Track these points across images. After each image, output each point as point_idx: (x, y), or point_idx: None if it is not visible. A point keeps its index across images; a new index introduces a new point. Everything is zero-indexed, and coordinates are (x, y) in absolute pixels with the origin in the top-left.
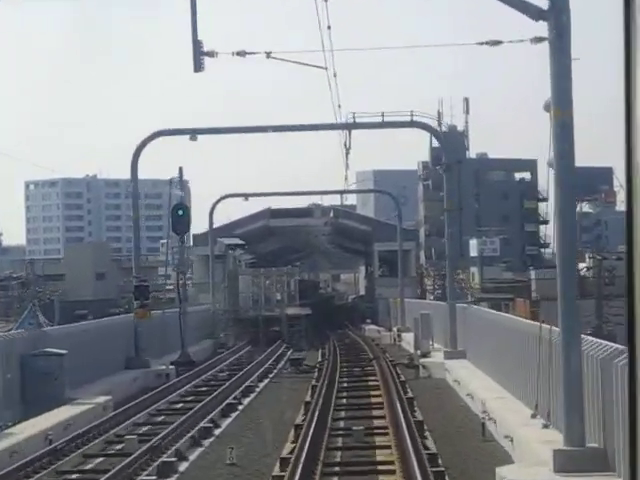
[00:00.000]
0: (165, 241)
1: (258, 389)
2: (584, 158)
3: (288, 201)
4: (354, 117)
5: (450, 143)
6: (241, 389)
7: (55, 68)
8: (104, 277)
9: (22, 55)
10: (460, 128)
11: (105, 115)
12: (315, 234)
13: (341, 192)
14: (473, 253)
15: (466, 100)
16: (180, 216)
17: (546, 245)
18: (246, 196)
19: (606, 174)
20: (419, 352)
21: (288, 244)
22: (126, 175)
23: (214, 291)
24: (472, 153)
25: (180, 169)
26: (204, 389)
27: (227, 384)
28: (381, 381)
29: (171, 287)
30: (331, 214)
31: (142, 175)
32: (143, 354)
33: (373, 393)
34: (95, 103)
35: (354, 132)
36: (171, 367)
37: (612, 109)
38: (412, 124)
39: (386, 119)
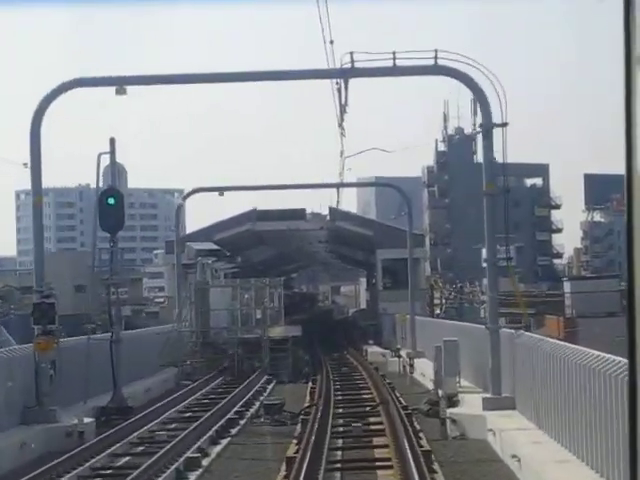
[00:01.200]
0: (159, 252)
1: (208, 459)
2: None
3: (277, 201)
4: (352, 60)
5: (456, 147)
6: (181, 460)
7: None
8: (84, 289)
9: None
10: (468, 131)
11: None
12: (309, 240)
13: (338, 186)
14: (484, 263)
15: (474, 101)
16: (110, 206)
17: (559, 255)
18: (221, 190)
19: (619, 181)
20: (441, 393)
21: (280, 252)
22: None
23: (182, 307)
24: (479, 157)
25: (112, 140)
26: (121, 461)
27: (163, 450)
28: (393, 447)
29: (162, 299)
30: (327, 217)
31: (138, 184)
32: (49, 401)
33: (382, 473)
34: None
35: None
36: (88, 420)
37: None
38: (436, 70)
39: (399, 63)
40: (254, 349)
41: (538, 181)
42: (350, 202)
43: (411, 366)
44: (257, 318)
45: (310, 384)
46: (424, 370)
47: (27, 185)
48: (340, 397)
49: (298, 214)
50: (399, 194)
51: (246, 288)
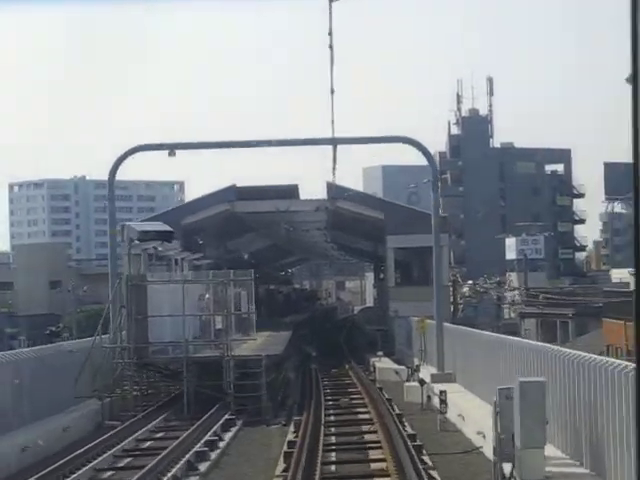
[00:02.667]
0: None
1: None
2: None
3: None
4: None
5: (471, 130)
6: None
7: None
8: (59, 286)
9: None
10: (483, 112)
11: (94, 112)
12: (305, 226)
13: (335, 142)
14: (510, 255)
15: (490, 80)
16: None
17: (582, 248)
18: (172, 148)
19: None
20: (512, 471)
21: (274, 243)
22: (117, 176)
23: (115, 314)
24: (496, 142)
25: None
26: None
27: None
28: None
29: None
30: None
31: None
32: None
33: None
34: (83, 101)
35: None
36: None
37: None
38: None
39: None
40: (213, 374)
41: (559, 167)
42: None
43: (443, 402)
44: (219, 328)
45: (292, 429)
46: (461, 408)
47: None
48: (333, 465)
49: (288, 191)
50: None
51: (203, 285)
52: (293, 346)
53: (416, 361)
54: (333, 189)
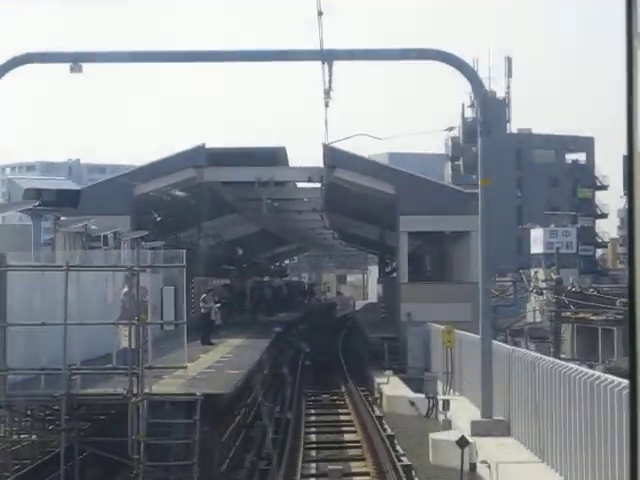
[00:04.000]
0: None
1: None
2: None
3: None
4: None
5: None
6: None
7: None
8: None
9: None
10: (500, 95)
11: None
12: (295, 206)
13: (330, 58)
14: (536, 249)
15: (508, 60)
16: None
17: (603, 245)
18: (76, 60)
19: None
20: None
21: (261, 228)
22: (113, 160)
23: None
24: (513, 127)
25: None
26: None
27: None
28: None
29: None
30: (320, 163)
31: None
32: None
33: None
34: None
35: None
36: None
37: None
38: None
39: None
40: (112, 424)
41: (581, 157)
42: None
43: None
44: (123, 348)
45: None
46: None
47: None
48: None
49: (273, 156)
50: None
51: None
52: (270, 362)
53: (440, 387)
54: (330, 154)
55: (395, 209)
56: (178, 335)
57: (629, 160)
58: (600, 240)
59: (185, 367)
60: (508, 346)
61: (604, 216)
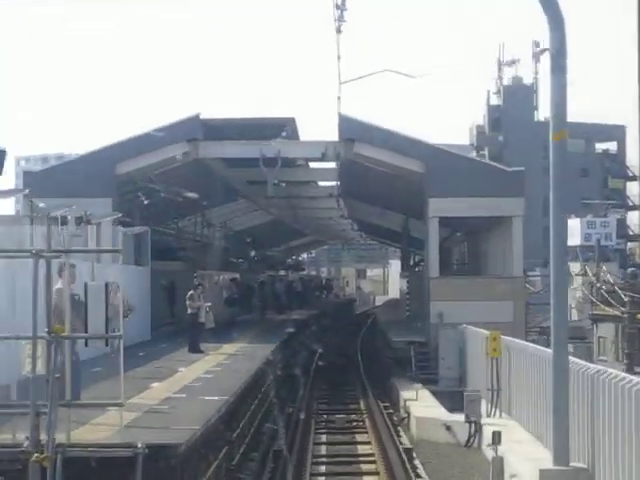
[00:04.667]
0: None
1: None
2: None
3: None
4: None
5: (513, 101)
6: None
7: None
8: None
9: None
10: (527, 81)
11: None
12: (306, 191)
13: None
14: (572, 241)
15: (536, 44)
16: None
17: (634, 238)
18: None
19: None
20: None
21: (274, 217)
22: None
23: None
24: (541, 115)
25: None
26: None
27: None
28: None
29: None
30: (336, 136)
31: None
32: None
33: None
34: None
35: None
36: None
37: None
38: None
39: None
40: None
41: (612, 146)
42: None
43: None
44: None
45: None
46: None
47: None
48: None
49: (280, 128)
50: None
51: None
52: (272, 375)
53: (484, 408)
54: (347, 125)
55: (421, 191)
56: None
57: None
58: (632, 233)
59: (120, 405)
60: (590, 364)
61: (636, 208)
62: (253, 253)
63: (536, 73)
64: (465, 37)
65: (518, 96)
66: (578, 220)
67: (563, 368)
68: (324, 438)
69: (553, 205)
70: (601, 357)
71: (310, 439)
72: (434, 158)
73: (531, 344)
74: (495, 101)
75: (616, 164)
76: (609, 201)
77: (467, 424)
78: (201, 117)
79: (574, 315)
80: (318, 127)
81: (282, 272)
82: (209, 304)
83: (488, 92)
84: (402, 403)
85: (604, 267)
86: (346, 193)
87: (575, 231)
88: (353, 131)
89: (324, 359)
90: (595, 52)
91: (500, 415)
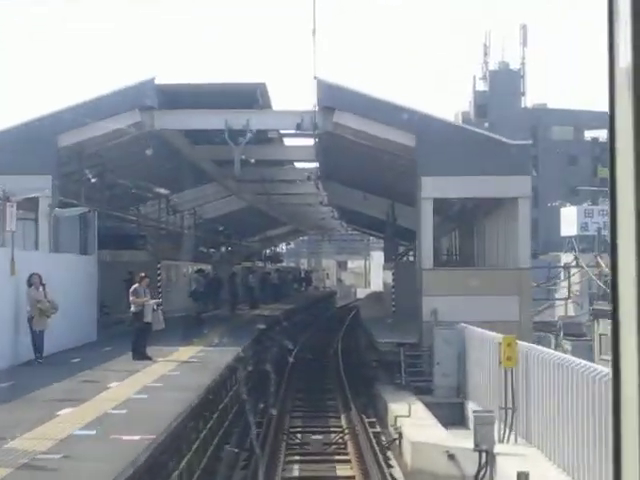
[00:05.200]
0: None
1: None
2: None
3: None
4: None
5: (500, 87)
6: None
7: None
8: None
9: None
10: (514, 66)
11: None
12: (280, 173)
13: None
14: (568, 230)
15: (523, 28)
16: None
17: None
18: None
19: None
20: None
21: (247, 204)
22: None
23: None
24: (528, 101)
25: None
26: None
27: None
28: None
29: None
30: (313, 104)
31: None
32: None
33: None
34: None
35: None
36: None
37: None
38: None
39: None
40: None
41: (601, 134)
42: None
43: None
44: None
45: None
46: None
47: None
48: None
49: (248, 95)
50: None
51: None
52: (232, 387)
53: (496, 430)
54: (327, 92)
55: (415, 168)
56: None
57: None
58: None
59: None
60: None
61: None
62: (225, 243)
63: (523, 58)
64: (451, 21)
65: (504, 81)
66: (574, 208)
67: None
68: (296, 470)
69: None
70: (603, 356)
71: (278, 472)
72: (427, 129)
73: (556, 352)
74: (481, 87)
75: (606, 152)
76: (602, 188)
77: (476, 453)
78: (157, 83)
79: (570, 310)
80: (292, 95)
81: (260, 264)
82: (157, 300)
83: (474, 78)
84: (392, 420)
85: (600, 259)
86: (326, 176)
87: (571, 220)
88: (333, 97)
89: (299, 362)
90: (585, 37)
91: (516, 440)
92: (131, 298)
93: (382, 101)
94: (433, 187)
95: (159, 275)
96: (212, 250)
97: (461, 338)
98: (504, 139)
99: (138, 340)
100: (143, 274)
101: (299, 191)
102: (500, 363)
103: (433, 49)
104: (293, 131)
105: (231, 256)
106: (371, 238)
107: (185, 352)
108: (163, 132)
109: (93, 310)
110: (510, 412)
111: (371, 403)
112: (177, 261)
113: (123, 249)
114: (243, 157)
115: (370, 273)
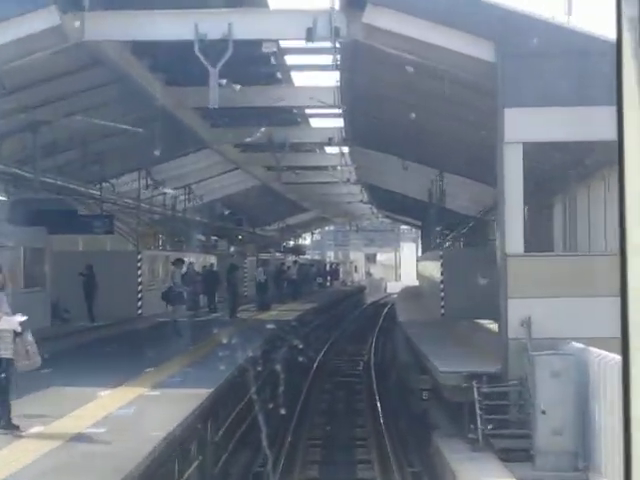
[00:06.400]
0: None
1: None
2: None
3: None
4: None
5: None
6: None
7: None
8: None
9: None
10: None
11: None
12: (295, 134)
13: None
14: None
15: None
16: None
17: None
18: None
19: None
20: None
21: (260, 182)
22: None
23: None
24: None
25: None
26: None
27: None
28: None
29: None
30: (335, 26)
31: None
32: None
33: None
34: None
35: None
36: None
37: None
38: None
39: None
40: None
41: None
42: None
43: None
44: None
45: None
46: None
47: None
48: None
49: None
50: None
51: None
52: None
53: None
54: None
55: (496, 94)
56: None
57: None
58: None
59: None
60: None
61: None
62: (233, 231)
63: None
64: None
65: None
66: None
67: None
68: None
69: None
70: None
71: None
72: (514, 33)
73: None
74: None
75: None
76: None
77: None
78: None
79: None
80: None
81: (278, 255)
82: (21, 318)
83: None
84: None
85: None
86: (353, 136)
87: None
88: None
89: (317, 393)
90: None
91: None
92: None
93: None
94: (523, 125)
95: (139, 269)
96: (215, 239)
97: (582, 368)
98: None
99: None
100: None
101: (319, 163)
102: None
103: None
104: (299, 45)
105: (241, 245)
106: (402, 228)
107: (104, 404)
108: (102, 47)
109: None
110: None
111: (427, 463)
112: (168, 250)
113: (78, 233)
114: (223, 82)
115: (401, 266)
